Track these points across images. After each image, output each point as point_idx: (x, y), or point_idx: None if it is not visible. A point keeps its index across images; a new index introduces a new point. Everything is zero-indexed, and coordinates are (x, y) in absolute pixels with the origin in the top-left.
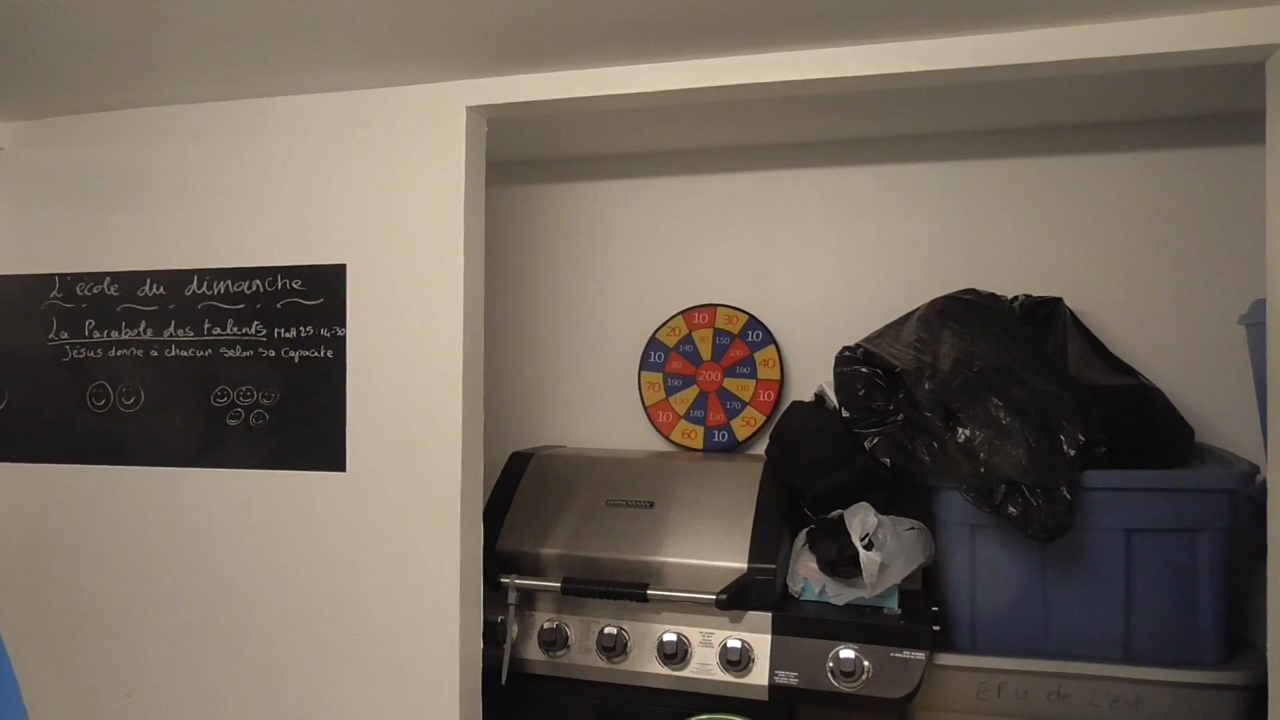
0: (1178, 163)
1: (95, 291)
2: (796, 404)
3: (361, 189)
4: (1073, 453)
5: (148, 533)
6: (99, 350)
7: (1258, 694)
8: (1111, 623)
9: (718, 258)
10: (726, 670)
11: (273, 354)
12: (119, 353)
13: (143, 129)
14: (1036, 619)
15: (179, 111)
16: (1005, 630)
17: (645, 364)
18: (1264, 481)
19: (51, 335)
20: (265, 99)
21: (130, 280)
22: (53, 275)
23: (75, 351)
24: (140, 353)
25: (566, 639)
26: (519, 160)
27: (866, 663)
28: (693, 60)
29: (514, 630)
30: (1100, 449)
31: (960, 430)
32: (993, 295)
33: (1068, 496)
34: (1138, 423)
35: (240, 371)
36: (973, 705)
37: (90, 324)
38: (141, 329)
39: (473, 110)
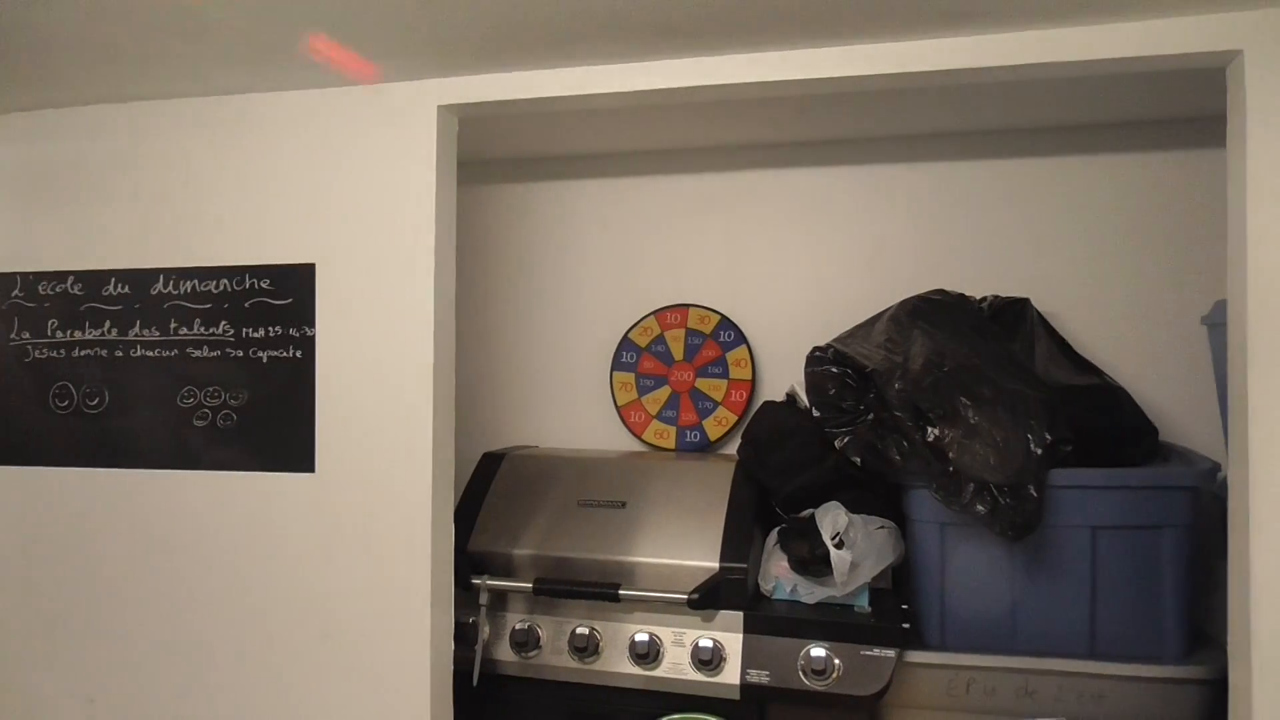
0: (1143, 165)
1: (58, 291)
2: (768, 404)
3: (331, 188)
4: (1040, 451)
5: (112, 536)
6: (62, 350)
7: (1219, 688)
8: (1078, 619)
9: (689, 258)
10: (698, 670)
11: (240, 354)
12: (82, 353)
13: (106, 125)
14: (1004, 616)
15: (144, 108)
16: (974, 627)
17: (617, 364)
18: (1225, 479)
19: (13, 335)
20: (233, 96)
21: (94, 279)
22: (14, 274)
23: (37, 352)
24: (104, 353)
25: (538, 640)
26: (491, 159)
27: (837, 661)
28: (664, 61)
29: (485, 631)
30: (1067, 448)
31: (930, 430)
32: (962, 296)
33: (1035, 495)
34: (1103, 422)
35: (207, 372)
36: (943, 702)
37: (53, 324)
38: (106, 329)
39: (444, 109)
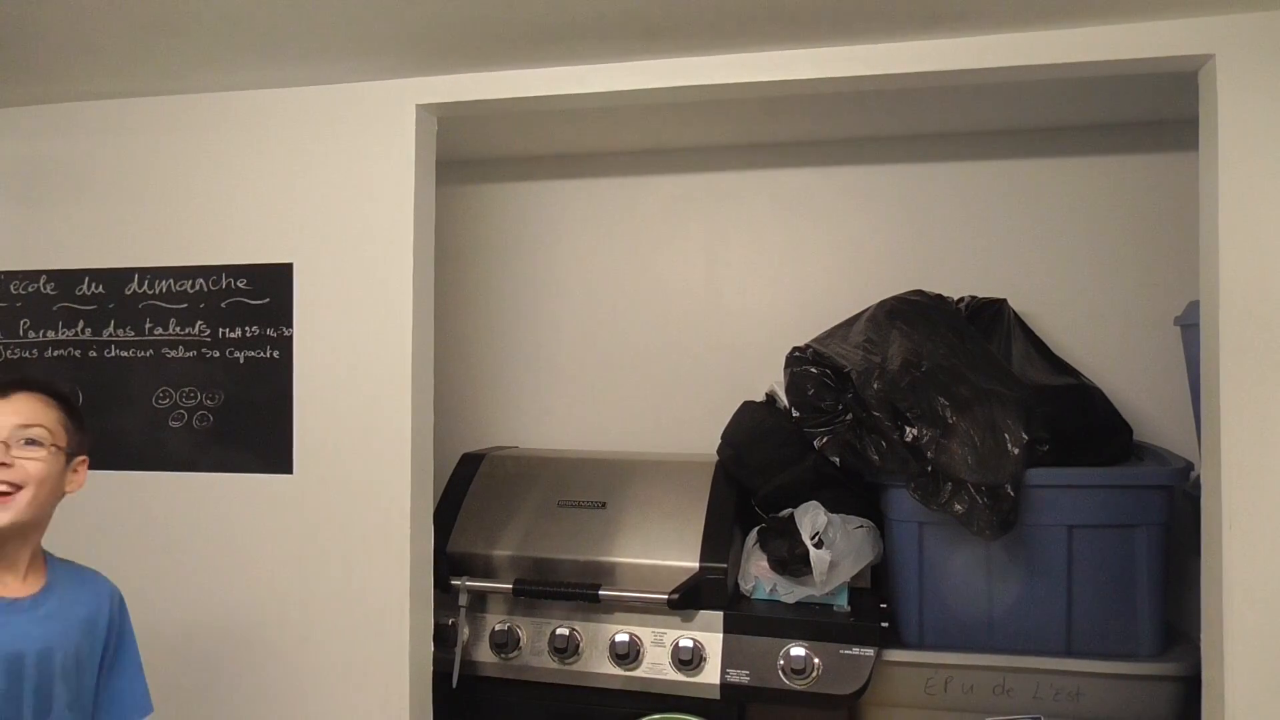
0: (1118, 168)
1: (30, 290)
2: (748, 404)
3: (309, 187)
4: (1016, 451)
5: (86, 538)
6: (34, 350)
7: (1192, 684)
8: (1054, 617)
9: (669, 258)
10: (678, 670)
11: (217, 354)
12: (55, 353)
13: (80, 122)
14: (982, 614)
15: (119, 106)
16: (952, 626)
17: None
18: (1198, 478)
19: None
20: (210, 94)
21: (68, 279)
22: None
23: (9, 352)
24: (78, 353)
25: (518, 641)
26: (470, 159)
27: (816, 660)
28: (645, 61)
29: (465, 633)
30: (1043, 447)
31: (908, 429)
32: (939, 296)
33: (1011, 494)
34: (1078, 421)
35: (183, 372)
36: (921, 700)
37: (25, 323)
38: (79, 329)
39: (423, 108)
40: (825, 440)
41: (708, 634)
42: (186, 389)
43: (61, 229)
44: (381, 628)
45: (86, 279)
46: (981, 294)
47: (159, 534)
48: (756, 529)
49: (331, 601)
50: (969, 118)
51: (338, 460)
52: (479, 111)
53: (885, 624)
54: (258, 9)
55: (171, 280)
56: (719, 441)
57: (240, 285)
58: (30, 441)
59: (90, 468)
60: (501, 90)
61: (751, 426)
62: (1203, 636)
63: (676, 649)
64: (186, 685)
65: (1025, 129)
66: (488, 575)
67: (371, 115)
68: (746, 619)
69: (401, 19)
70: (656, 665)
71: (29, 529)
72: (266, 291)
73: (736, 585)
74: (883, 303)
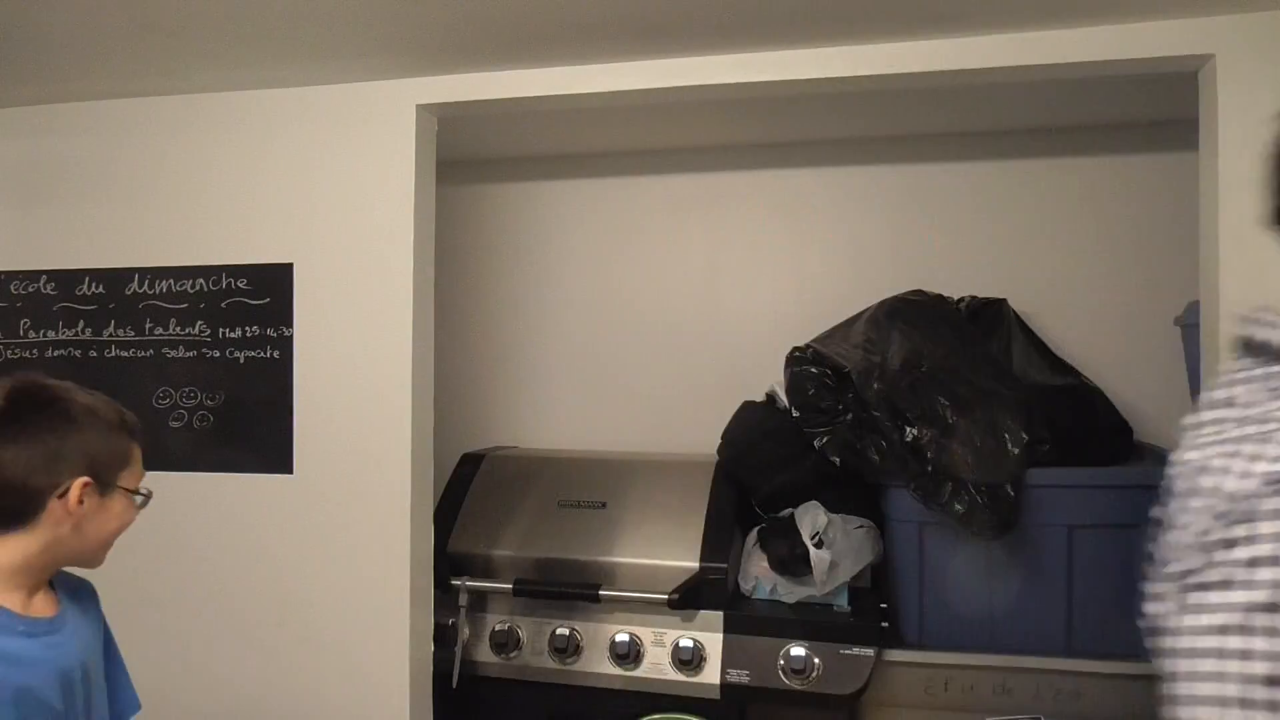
0: (1119, 168)
1: (31, 290)
2: (748, 404)
3: (309, 187)
4: (1017, 451)
5: None
6: (34, 350)
7: None
8: (1055, 617)
9: (669, 258)
10: (678, 670)
11: (217, 354)
12: (56, 353)
13: (82, 123)
14: (982, 614)
15: (119, 106)
16: (952, 626)
17: None
18: None
19: None
20: (210, 94)
21: (68, 279)
22: None
23: (9, 352)
24: (78, 353)
25: (518, 641)
26: (470, 159)
27: (817, 660)
28: (644, 61)
29: (465, 632)
30: (1043, 447)
31: (908, 429)
32: (940, 296)
33: (1012, 494)
34: (1079, 421)
35: (183, 372)
36: (921, 700)
37: (25, 323)
38: (80, 329)
39: (423, 108)
40: (825, 440)
41: (708, 634)
42: (187, 389)
43: (61, 229)
44: (382, 627)
45: (86, 279)
46: (982, 294)
47: (159, 534)
48: (756, 529)
49: (331, 602)
50: (969, 118)
51: (338, 460)
52: (479, 111)
53: (885, 624)
54: (258, 9)
55: (171, 280)
56: (719, 441)
57: (240, 285)
58: None
59: None
60: (501, 90)
61: (751, 426)
62: None
63: (677, 649)
64: (186, 685)
65: (1025, 129)
66: (488, 575)
67: (371, 115)
68: (746, 619)
69: (401, 19)
70: (657, 665)
71: None
72: (266, 291)
73: (737, 585)
74: (883, 303)
